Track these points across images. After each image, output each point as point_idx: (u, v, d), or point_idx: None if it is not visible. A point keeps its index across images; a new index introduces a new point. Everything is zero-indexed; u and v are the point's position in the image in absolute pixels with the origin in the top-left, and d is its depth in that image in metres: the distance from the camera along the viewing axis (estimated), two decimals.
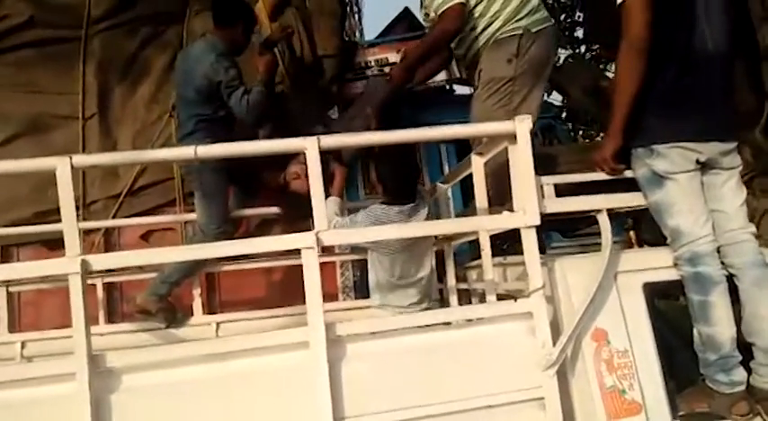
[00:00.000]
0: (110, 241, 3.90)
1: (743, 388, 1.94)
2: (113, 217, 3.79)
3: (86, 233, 3.71)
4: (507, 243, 2.93)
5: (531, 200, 1.89)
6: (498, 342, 1.93)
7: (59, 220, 3.68)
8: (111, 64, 3.92)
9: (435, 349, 1.90)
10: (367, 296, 3.47)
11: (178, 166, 3.67)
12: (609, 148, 2.05)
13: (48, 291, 3.77)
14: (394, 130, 1.94)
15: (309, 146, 1.81)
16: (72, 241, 1.74)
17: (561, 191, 2.07)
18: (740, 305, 1.98)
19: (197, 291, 3.43)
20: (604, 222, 2.04)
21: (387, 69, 4.41)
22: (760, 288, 1.95)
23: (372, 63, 4.41)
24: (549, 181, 2.00)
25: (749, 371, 1.97)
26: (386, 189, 2.66)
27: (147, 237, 3.89)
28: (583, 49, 8.44)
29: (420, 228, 2.02)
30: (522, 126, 1.88)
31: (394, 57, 4.37)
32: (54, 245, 3.71)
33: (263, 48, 3.28)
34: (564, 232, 4.52)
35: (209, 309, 3.59)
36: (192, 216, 3.73)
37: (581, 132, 7.41)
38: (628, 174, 2.11)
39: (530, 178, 1.90)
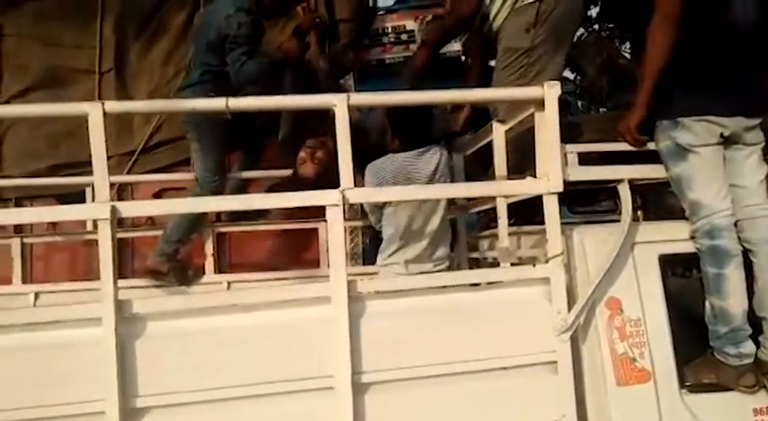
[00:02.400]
0: (122, 198, 3.91)
1: (751, 360, 1.98)
2: (128, 174, 3.80)
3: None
4: (513, 218, 2.97)
5: (555, 166, 1.91)
6: (515, 306, 1.96)
7: (73, 174, 3.74)
8: (130, 19, 3.89)
9: (453, 310, 1.94)
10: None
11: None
12: (634, 119, 2.06)
13: (58, 248, 3.82)
14: (422, 92, 1.95)
15: (339, 103, 1.82)
16: (102, 188, 1.77)
17: (582, 160, 2.09)
18: (753, 280, 2.01)
19: (209, 251, 3.47)
20: (625, 192, 2.06)
21: (404, 37, 4.40)
22: None
23: (389, 29, 4.39)
24: (574, 149, 2.01)
25: (757, 344, 2.01)
26: (397, 138, 2.66)
27: (160, 196, 3.89)
28: (597, 27, 8.33)
29: (441, 190, 2.03)
30: (551, 92, 1.89)
31: (411, 24, 4.35)
32: (66, 199, 3.74)
33: (293, 34, 3.26)
34: (571, 207, 4.54)
35: (219, 269, 3.62)
36: None
37: (591, 110, 7.37)
38: (650, 145, 2.12)
39: (555, 145, 1.91)
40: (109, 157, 3.79)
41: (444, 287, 1.98)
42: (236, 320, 1.83)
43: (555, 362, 1.93)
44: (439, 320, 1.92)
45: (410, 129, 2.61)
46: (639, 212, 4.34)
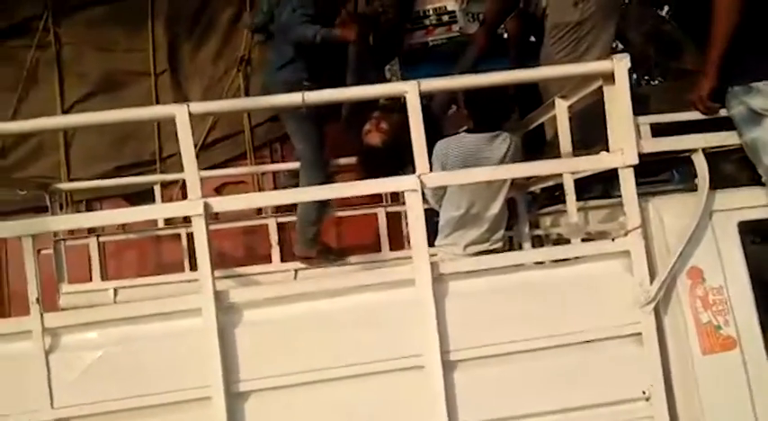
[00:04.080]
0: (184, 194, 4.04)
1: None
2: None
3: (164, 187, 3.87)
4: (558, 191, 2.97)
5: (630, 140, 1.92)
6: (596, 280, 1.98)
7: (138, 174, 3.87)
8: (179, 20, 4.01)
9: (535, 287, 1.97)
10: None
11: None
12: (706, 87, 2.04)
13: (128, 245, 3.98)
14: (488, 73, 1.97)
15: (410, 90, 1.86)
16: (193, 185, 1.84)
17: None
18: None
19: (273, 240, 3.57)
20: (700, 162, 2.04)
21: (445, 18, 4.38)
22: None
23: (431, 12, 4.37)
24: (646, 121, 2.00)
25: None
26: (469, 116, 2.69)
27: (221, 190, 4.01)
28: None
29: (515, 169, 2.06)
30: (621, 65, 1.89)
31: (452, 4, 4.33)
32: (133, 198, 3.90)
33: (355, 20, 3.31)
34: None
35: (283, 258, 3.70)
36: (265, 168, 3.86)
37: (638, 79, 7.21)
38: (722, 113, 2.10)
39: (628, 118, 1.92)
40: (172, 155, 4.00)
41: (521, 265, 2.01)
42: (327, 305, 1.90)
43: (639, 333, 1.94)
44: (521, 297, 1.95)
45: (487, 112, 2.63)
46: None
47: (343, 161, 3.31)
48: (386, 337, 1.90)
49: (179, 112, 1.84)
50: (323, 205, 3.27)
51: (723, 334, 1.98)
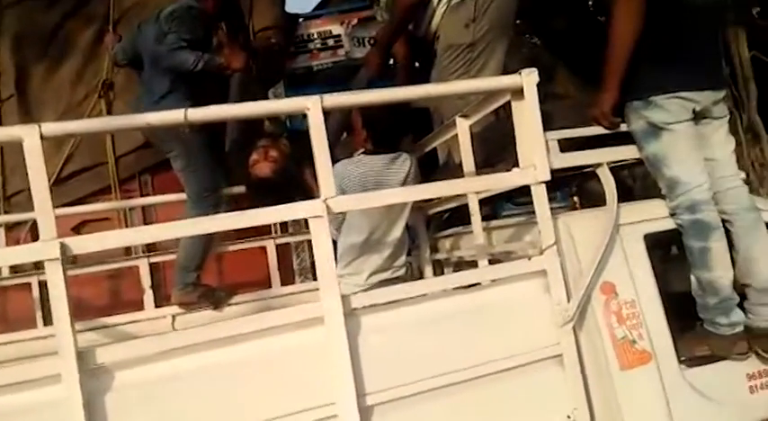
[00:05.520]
0: (37, 236, 3.50)
1: (741, 328, 2.01)
2: None
3: (9, 229, 3.32)
4: (448, 212, 2.92)
5: (541, 155, 1.85)
6: (513, 303, 1.88)
7: None
8: (29, 39, 3.51)
9: (452, 315, 1.83)
10: None
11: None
12: (607, 103, 2.03)
13: None
14: (393, 88, 1.83)
15: (312, 105, 1.67)
16: (47, 223, 1.49)
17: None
18: (733, 249, 2.04)
19: (146, 283, 3.17)
20: (606, 176, 2.02)
21: (330, 42, 4.25)
22: (752, 231, 2.01)
23: (315, 35, 4.21)
24: (554, 136, 1.95)
25: (744, 311, 2.04)
26: (368, 137, 2.52)
27: (80, 229, 3.51)
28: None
29: (426, 190, 1.91)
30: (529, 79, 1.83)
31: (338, 29, 4.21)
32: None
33: (242, 49, 3.06)
34: (513, 200, 4.58)
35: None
36: (133, 202, 3.46)
37: None
38: (623, 127, 2.11)
39: (539, 133, 1.85)
40: (18, 192, 3.46)
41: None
42: (221, 355, 1.62)
43: (560, 355, 1.86)
44: (438, 327, 1.80)
45: (386, 133, 2.47)
46: (575, 198, 4.41)
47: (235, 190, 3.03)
48: (292, 388, 1.66)
49: (28, 135, 1.49)
50: (206, 248, 2.95)
51: (639, 348, 1.95)
